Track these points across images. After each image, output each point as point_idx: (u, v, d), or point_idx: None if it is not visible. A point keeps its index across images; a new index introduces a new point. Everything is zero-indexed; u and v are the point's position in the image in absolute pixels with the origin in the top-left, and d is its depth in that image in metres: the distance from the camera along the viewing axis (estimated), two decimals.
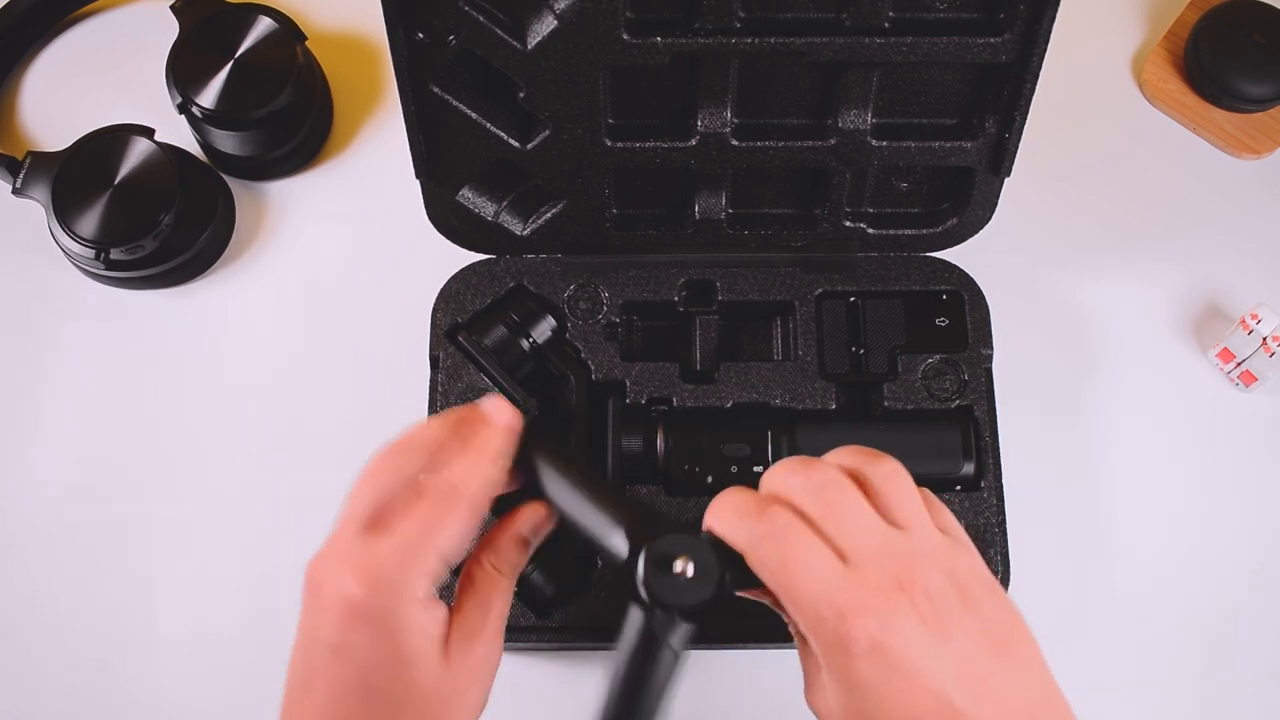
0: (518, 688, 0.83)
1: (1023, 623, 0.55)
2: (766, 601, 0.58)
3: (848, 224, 0.85)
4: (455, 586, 0.62)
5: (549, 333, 0.84)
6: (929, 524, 0.56)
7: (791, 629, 0.58)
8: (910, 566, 0.53)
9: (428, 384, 0.84)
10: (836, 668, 0.53)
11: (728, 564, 0.56)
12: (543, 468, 0.61)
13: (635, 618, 0.57)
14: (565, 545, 0.64)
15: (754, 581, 0.56)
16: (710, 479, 0.79)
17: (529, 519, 0.62)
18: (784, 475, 0.57)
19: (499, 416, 0.61)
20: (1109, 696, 0.82)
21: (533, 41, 0.72)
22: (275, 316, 0.92)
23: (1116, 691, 0.82)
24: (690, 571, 0.56)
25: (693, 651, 0.83)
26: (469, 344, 0.83)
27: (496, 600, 0.60)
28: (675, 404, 0.82)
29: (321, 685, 0.55)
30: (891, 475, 0.57)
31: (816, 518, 0.54)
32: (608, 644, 0.80)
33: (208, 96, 0.90)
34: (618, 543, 0.57)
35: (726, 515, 0.56)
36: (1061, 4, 0.70)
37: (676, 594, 0.56)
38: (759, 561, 0.54)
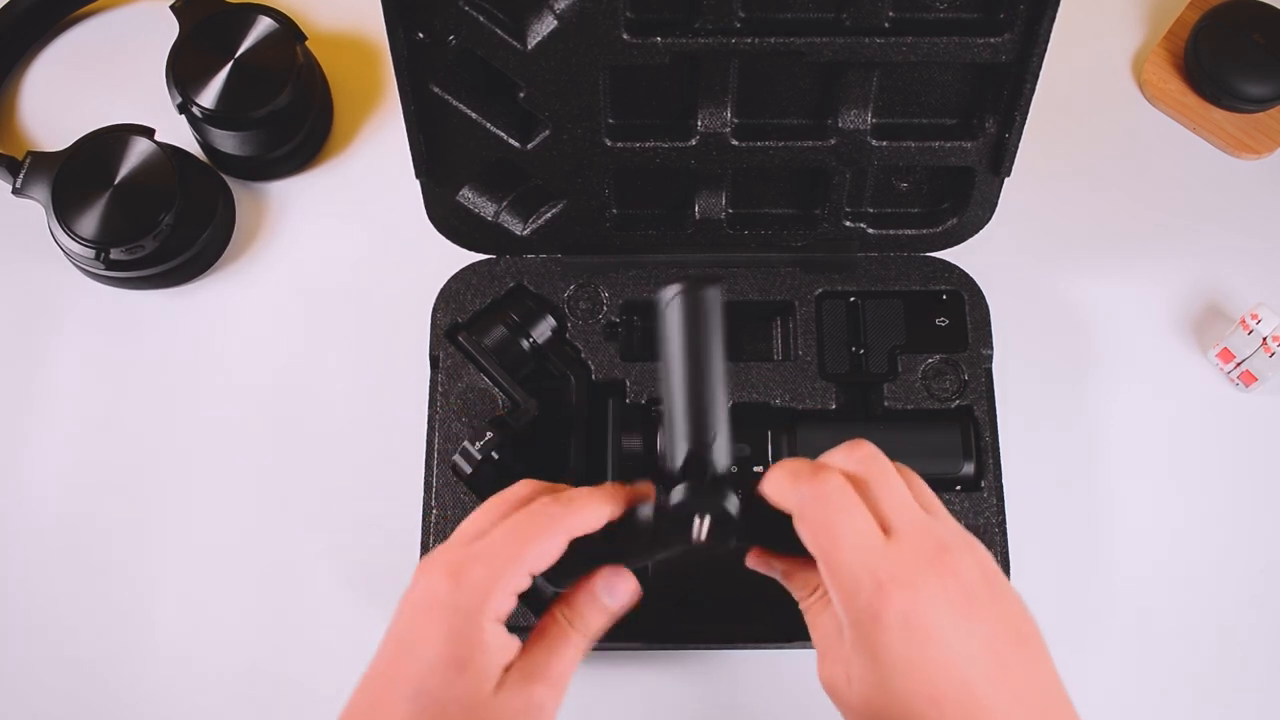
0: None
1: (1033, 620, 0.57)
2: (776, 573, 0.60)
3: (848, 224, 0.85)
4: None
5: (549, 333, 0.84)
6: (949, 515, 0.59)
7: (806, 601, 0.59)
8: (945, 547, 0.55)
9: (428, 384, 0.84)
10: (864, 638, 0.54)
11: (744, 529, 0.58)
12: (686, 332, 0.59)
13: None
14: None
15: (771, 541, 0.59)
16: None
17: (608, 580, 0.60)
18: (832, 452, 0.59)
19: (643, 486, 0.61)
20: (1109, 696, 0.82)
21: (533, 41, 0.72)
22: (275, 316, 0.92)
23: (1116, 691, 0.82)
24: (704, 533, 0.58)
25: (695, 652, 0.83)
26: (469, 344, 0.83)
27: (561, 649, 0.59)
28: None
29: (380, 679, 0.56)
30: (906, 470, 0.60)
31: (865, 486, 0.57)
32: (607, 644, 0.81)
33: (208, 96, 0.90)
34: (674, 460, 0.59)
35: (780, 478, 0.58)
36: (1061, 4, 0.70)
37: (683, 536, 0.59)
38: (807, 523, 0.56)
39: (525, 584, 0.57)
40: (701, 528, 0.58)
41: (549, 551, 0.57)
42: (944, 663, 0.53)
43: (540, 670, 0.58)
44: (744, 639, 0.80)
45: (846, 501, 0.56)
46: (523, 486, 0.61)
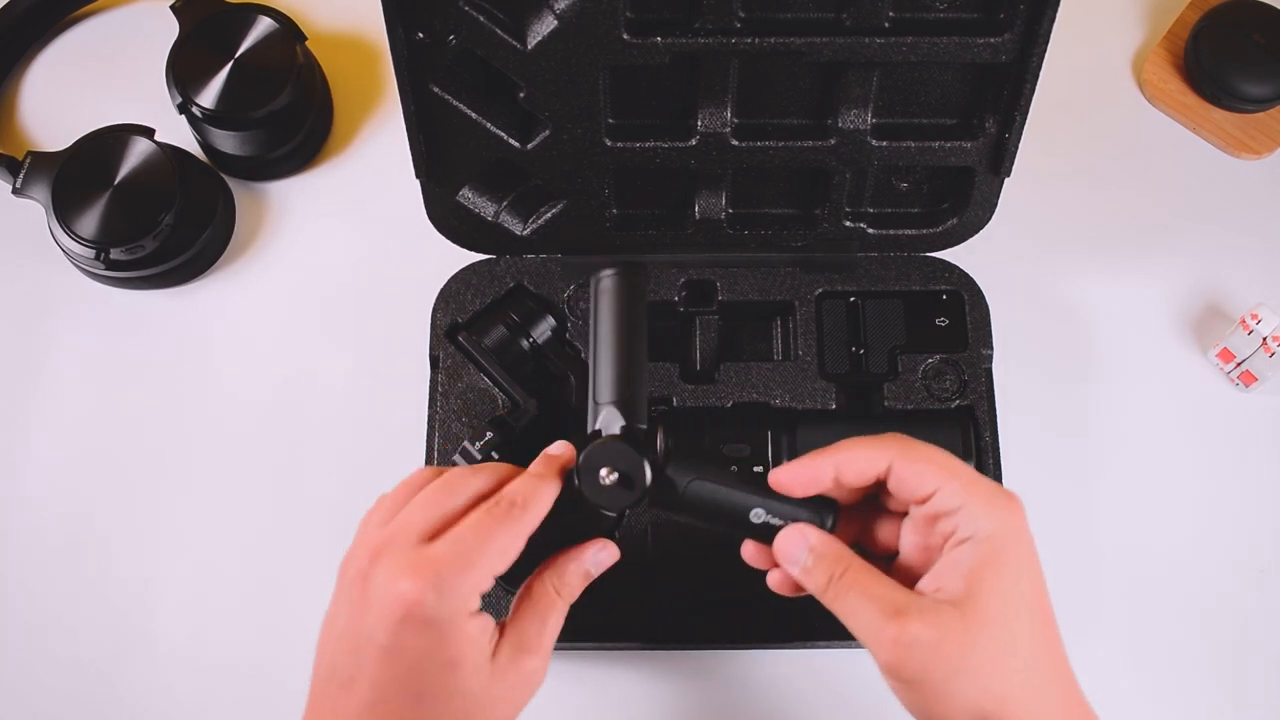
0: None
1: None
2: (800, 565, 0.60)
3: (848, 224, 0.85)
4: (511, 604, 0.63)
5: (549, 333, 0.84)
6: None
7: (839, 583, 0.58)
8: None
9: (428, 384, 0.84)
10: (998, 532, 0.56)
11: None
12: (614, 308, 0.66)
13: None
14: (566, 547, 0.64)
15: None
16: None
17: (595, 554, 0.63)
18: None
19: (555, 448, 0.63)
20: (1108, 695, 0.82)
21: (533, 41, 0.72)
22: (275, 316, 0.92)
23: (1116, 689, 0.82)
24: (614, 480, 0.61)
25: (695, 652, 0.83)
26: (469, 344, 0.83)
27: (551, 620, 0.61)
28: (675, 404, 0.82)
29: (366, 683, 0.56)
30: None
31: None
32: (608, 644, 0.81)
33: (208, 96, 0.90)
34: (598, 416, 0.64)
35: (862, 442, 0.60)
36: (1061, 4, 0.70)
37: (598, 494, 0.61)
38: (919, 452, 0.58)
39: (489, 585, 0.57)
40: (608, 477, 0.60)
41: (513, 545, 0.58)
42: (1038, 575, 0.59)
43: (532, 642, 0.60)
44: (745, 639, 0.80)
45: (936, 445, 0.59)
46: (426, 473, 0.62)
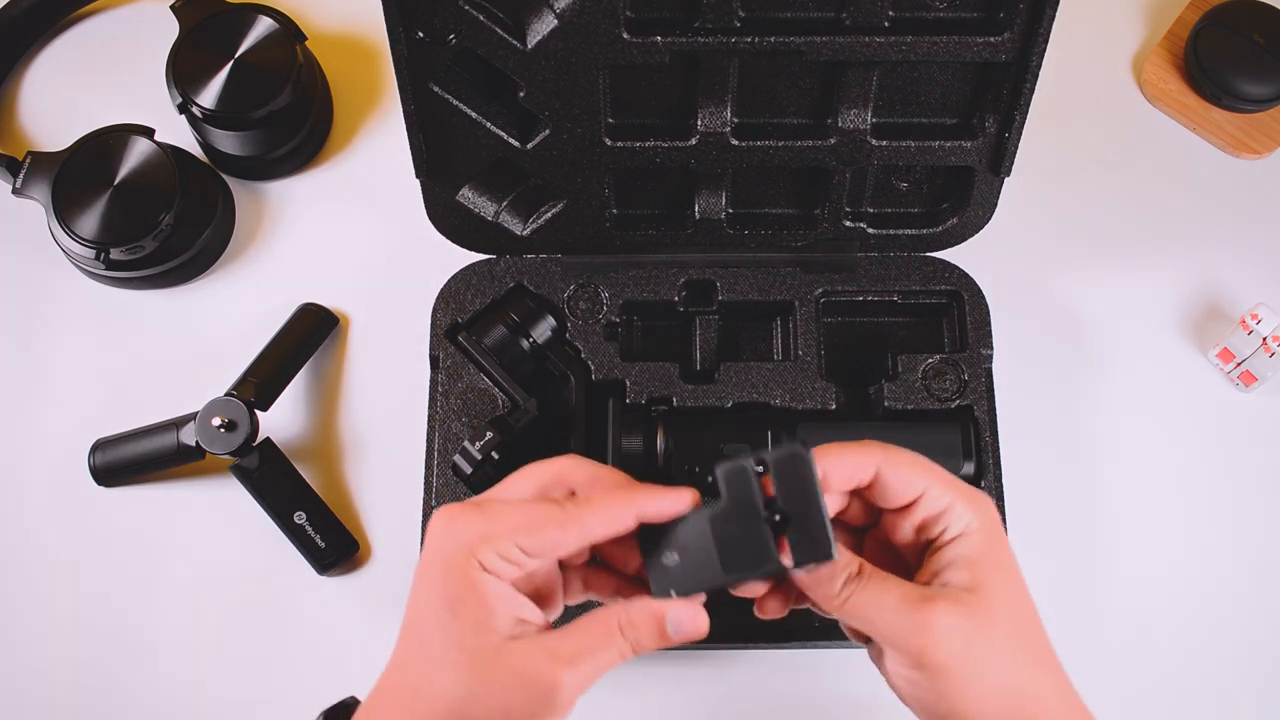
0: None
1: None
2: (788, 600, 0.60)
3: (848, 224, 0.85)
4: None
5: (549, 333, 0.84)
6: None
7: (844, 594, 0.57)
8: None
9: (428, 384, 0.84)
10: (989, 526, 0.58)
11: None
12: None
13: None
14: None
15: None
16: (710, 479, 0.79)
17: (678, 615, 0.58)
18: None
19: (678, 499, 0.59)
20: (1108, 695, 0.82)
21: (533, 40, 0.72)
22: (275, 316, 0.92)
23: (1115, 689, 0.82)
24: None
25: (695, 652, 0.83)
26: (469, 344, 0.83)
27: (602, 654, 0.57)
28: (675, 404, 0.82)
29: (412, 596, 0.57)
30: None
31: None
32: None
33: (208, 96, 0.90)
34: None
35: (849, 448, 0.59)
36: (1061, 4, 0.70)
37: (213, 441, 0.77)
38: (904, 457, 0.59)
39: (518, 557, 0.56)
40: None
41: (557, 544, 0.56)
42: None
43: (568, 655, 0.55)
44: (744, 639, 0.80)
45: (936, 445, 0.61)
46: (561, 460, 0.60)
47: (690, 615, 0.57)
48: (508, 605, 0.56)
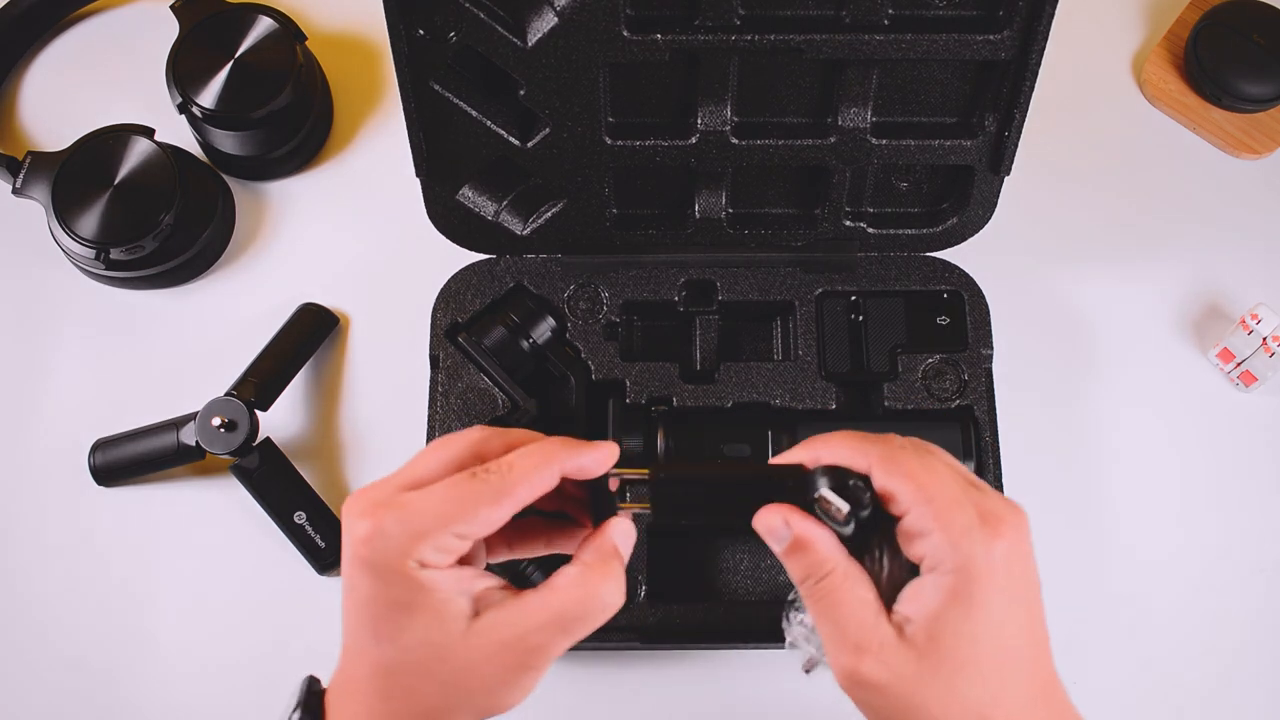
0: None
1: None
2: (784, 540, 0.56)
3: (848, 224, 0.85)
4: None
5: (549, 333, 0.84)
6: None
7: (816, 584, 0.55)
8: (1013, 507, 0.55)
9: (428, 384, 0.84)
10: (965, 566, 0.52)
11: None
12: None
13: None
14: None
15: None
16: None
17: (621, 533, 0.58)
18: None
19: (598, 453, 0.58)
20: (1107, 695, 0.82)
21: (533, 38, 0.72)
22: (275, 316, 0.92)
23: (1115, 690, 0.82)
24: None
25: (695, 652, 0.83)
26: (468, 344, 0.83)
27: (567, 602, 0.56)
28: (675, 404, 0.82)
29: (344, 617, 0.56)
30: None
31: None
32: (608, 644, 0.81)
33: (208, 96, 0.90)
34: None
35: (846, 439, 0.56)
36: (1061, 3, 0.70)
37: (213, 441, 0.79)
38: (898, 465, 0.54)
39: (454, 545, 0.55)
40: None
41: (492, 520, 0.55)
42: (1032, 604, 0.54)
43: (537, 613, 0.55)
44: (744, 639, 0.80)
45: (930, 449, 0.56)
46: (474, 432, 0.59)
47: (627, 530, 0.58)
48: (460, 588, 0.54)
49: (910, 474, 0.54)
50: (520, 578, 0.77)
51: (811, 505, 0.55)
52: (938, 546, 0.53)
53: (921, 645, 0.53)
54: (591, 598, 0.56)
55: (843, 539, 0.55)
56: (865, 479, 0.55)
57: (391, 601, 0.54)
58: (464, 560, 0.57)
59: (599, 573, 0.56)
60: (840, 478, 0.55)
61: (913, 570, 0.55)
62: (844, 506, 0.54)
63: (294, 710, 0.56)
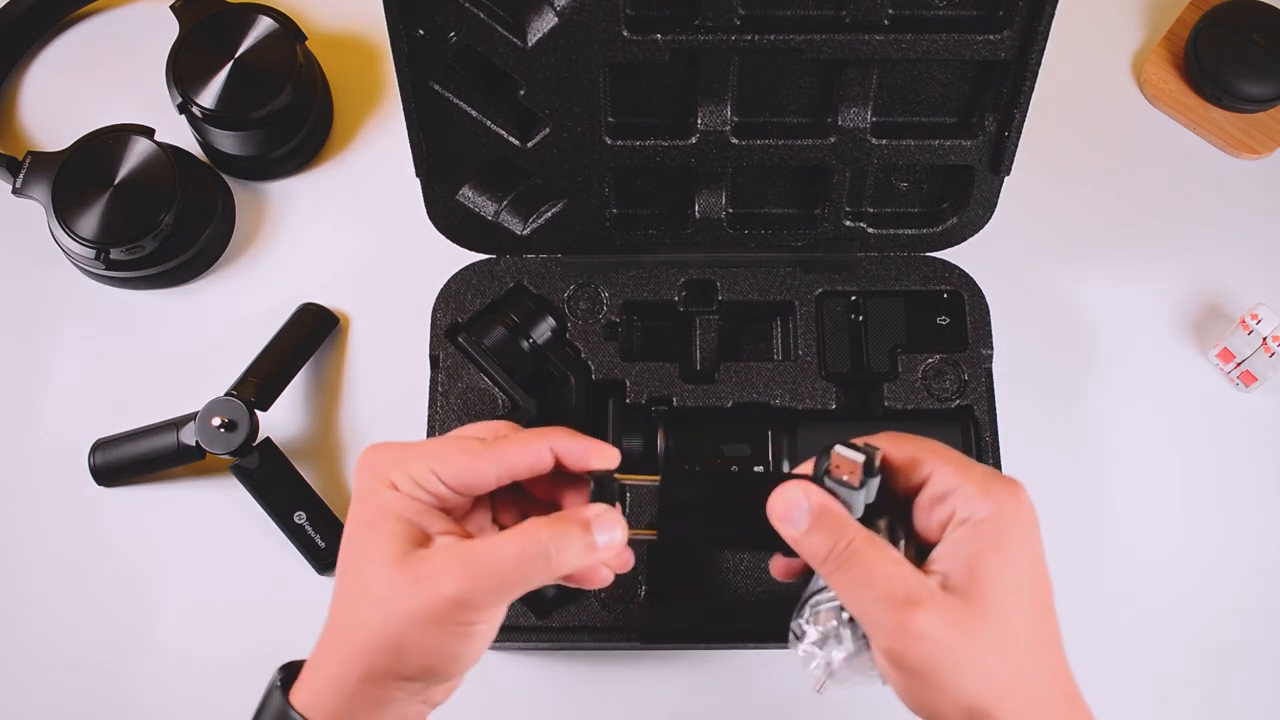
0: (517, 688, 0.83)
1: None
2: (805, 515, 0.55)
3: (848, 224, 0.85)
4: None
5: (549, 333, 0.84)
6: None
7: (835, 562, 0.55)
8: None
9: (428, 384, 0.84)
10: (997, 513, 0.54)
11: None
12: None
13: None
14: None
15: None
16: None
17: (604, 519, 0.57)
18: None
19: (592, 445, 0.59)
20: (1107, 695, 0.82)
21: (533, 38, 0.72)
22: (275, 316, 0.92)
23: (1115, 690, 0.82)
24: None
25: (695, 652, 0.83)
26: (469, 345, 0.83)
27: (518, 559, 0.55)
28: (675, 404, 0.82)
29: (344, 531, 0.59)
30: None
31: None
32: (608, 644, 0.81)
33: (208, 96, 0.90)
34: None
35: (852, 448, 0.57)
36: (1061, 3, 0.70)
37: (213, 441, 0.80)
38: (910, 439, 0.57)
39: (431, 483, 0.56)
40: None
41: (472, 470, 0.57)
42: (1043, 581, 0.56)
43: (485, 563, 0.54)
44: (744, 639, 0.80)
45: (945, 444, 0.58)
46: (497, 422, 0.62)
47: (612, 519, 0.57)
48: (419, 518, 0.56)
49: (921, 442, 0.57)
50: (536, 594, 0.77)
51: (822, 480, 0.56)
52: (969, 498, 0.54)
53: (968, 592, 0.53)
54: (534, 541, 0.55)
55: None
56: (874, 448, 0.56)
57: (360, 521, 0.57)
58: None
59: (549, 525, 0.56)
60: (848, 444, 0.55)
61: (923, 554, 0.56)
62: (858, 458, 0.54)
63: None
